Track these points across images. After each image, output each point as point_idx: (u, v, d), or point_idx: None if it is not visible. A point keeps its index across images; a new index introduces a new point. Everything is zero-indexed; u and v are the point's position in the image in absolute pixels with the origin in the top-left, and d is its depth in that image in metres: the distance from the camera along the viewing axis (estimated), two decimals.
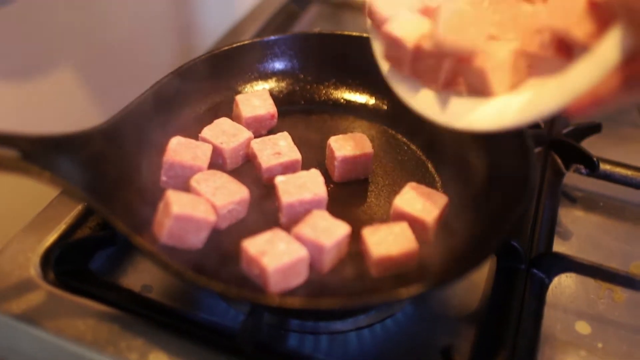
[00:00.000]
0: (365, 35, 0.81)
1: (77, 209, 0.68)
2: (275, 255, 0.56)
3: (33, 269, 0.62)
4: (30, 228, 0.66)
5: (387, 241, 0.59)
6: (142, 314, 0.59)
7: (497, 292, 0.64)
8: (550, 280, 0.66)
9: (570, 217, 0.77)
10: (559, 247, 0.72)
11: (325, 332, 0.61)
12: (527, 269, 0.66)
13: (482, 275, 0.66)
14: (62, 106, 0.90)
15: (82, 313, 0.58)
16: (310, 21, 1.15)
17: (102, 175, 0.60)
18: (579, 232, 0.75)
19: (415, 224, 0.62)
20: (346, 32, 0.82)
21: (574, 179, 0.80)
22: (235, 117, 0.74)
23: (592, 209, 0.78)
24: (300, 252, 0.56)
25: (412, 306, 0.64)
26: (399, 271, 0.60)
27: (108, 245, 0.67)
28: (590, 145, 0.80)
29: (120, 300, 0.61)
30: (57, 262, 0.63)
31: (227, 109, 0.76)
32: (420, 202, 0.63)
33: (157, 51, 1.09)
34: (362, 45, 0.80)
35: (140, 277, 0.65)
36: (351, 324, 0.61)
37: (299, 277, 0.57)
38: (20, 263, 0.62)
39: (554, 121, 0.85)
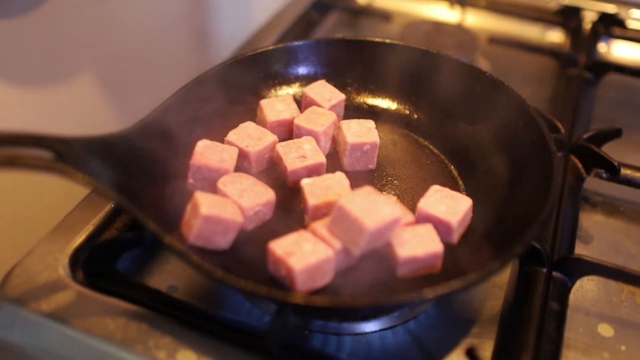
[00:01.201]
0: (387, 41, 0.82)
1: (105, 210, 0.69)
2: (301, 255, 0.56)
3: (62, 269, 0.63)
4: (58, 229, 0.67)
5: (412, 242, 0.59)
6: (170, 313, 0.60)
7: (519, 294, 0.64)
8: (573, 283, 0.66)
9: (591, 221, 0.77)
10: (580, 251, 0.72)
11: (349, 333, 0.61)
12: (549, 272, 0.66)
13: (504, 278, 0.67)
14: (81, 112, 0.92)
15: (110, 312, 0.59)
16: (330, 28, 1.16)
17: (131, 176, 0.61)
18: (600, 236, 0.75)
19: (440, 226, 0.62)
20: (368, 38, 0.83)
21: (594, 183, 0.80)
22: (260, 122, 0.75)
23: (612, 213, 0.78)
24: (326, 253, 0.57)
25: (435, 308, 0.64)
26: (424, 272, 0.60)
27: (135, 246, 0.68)
28: (611, 150, 0.80)
29: (148, 300, 0.61)
30: (85, 262, 0.64)
31: (251, 113, 0.77)
32: (444, 204, 0.64)
33: (175, 58, 1.10)
34: (384, 51, 0.82)
35: (166, 278, 0.66)
36: (374, 325, 0.62)
37: (325, 278, 0.58)
38: (49, 263, 0.63)
39: (574, 126, 0.85)
